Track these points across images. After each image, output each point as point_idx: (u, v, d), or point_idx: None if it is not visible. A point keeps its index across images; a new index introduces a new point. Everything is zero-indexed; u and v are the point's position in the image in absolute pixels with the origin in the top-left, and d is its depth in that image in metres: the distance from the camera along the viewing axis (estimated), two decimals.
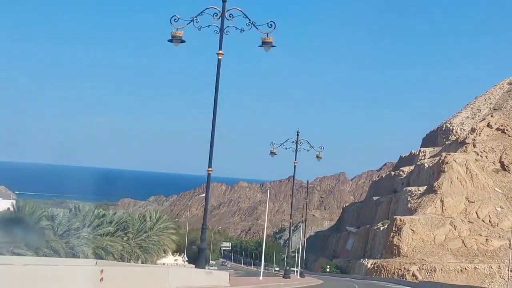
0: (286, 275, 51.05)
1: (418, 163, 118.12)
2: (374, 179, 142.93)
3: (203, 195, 36.53)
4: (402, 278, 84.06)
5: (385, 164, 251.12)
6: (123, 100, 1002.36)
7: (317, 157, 47.44)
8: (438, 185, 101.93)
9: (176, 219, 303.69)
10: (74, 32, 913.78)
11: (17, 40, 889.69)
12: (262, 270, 45.67)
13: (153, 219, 45.78)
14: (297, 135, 46.57)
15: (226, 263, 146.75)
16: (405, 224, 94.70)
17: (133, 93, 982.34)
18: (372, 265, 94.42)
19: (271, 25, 24.18)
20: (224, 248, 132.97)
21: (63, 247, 34.74)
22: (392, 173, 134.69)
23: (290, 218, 63.65)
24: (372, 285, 59.15)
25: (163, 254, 52.75)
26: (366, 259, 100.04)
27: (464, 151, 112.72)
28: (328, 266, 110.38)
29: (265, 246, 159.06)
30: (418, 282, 65.30)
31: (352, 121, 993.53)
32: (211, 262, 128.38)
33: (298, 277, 58.77)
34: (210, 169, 24.96)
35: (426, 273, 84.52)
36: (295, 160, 48.08)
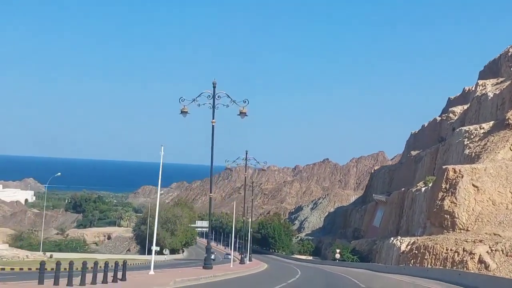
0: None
1: (478, 94, 78.59)
2: (412, 132, 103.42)
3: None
4: (462, 268, 47.17)
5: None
6: None
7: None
8: None
9: (191, 202, 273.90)
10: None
11: None
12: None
13: None
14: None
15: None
16: (462, 177, 56.89)
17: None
18: (409, 247, 56.69)
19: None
20: (199, 229, 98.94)
21: None
22: (438, 118, 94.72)
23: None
24: None
25: None
26: (400, 238, 62.16)
27: None
28: (338, 251, 72.23)
29: (273, 229, 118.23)
30: None
31: (390, 91, 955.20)
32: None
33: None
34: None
35: (502, 257, 47.51)
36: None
